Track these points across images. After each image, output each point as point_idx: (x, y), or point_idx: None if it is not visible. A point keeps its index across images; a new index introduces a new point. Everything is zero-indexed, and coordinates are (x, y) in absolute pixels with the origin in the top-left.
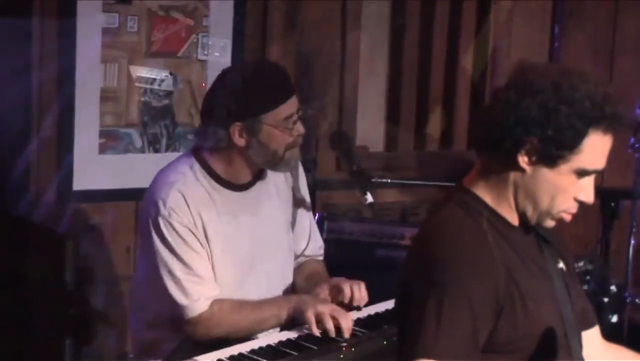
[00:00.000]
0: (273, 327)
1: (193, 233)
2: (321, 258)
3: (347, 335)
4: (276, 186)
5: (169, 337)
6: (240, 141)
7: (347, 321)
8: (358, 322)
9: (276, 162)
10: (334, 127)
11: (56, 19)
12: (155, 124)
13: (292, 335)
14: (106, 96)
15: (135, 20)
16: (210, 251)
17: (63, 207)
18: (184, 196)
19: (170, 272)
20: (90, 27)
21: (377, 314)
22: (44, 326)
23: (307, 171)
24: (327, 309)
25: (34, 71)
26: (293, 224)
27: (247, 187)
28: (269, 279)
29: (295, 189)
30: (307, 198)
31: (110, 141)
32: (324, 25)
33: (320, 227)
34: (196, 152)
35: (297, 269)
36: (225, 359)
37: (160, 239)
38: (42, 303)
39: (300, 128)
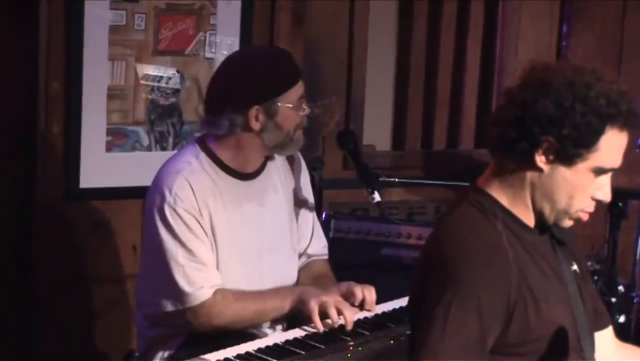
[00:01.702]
0: (276, 318)
1: (198, 221)
2: (326, 257)
3: (349, 327)
4: (280, 180)
5: (174, 334)
6: (256, 125)
7: (350, 313)
8: (365, 321)
9: (287, 143)
10: (341, 126)
11: (63, 16)
12: (163, 122)
13: (299, 333)
14: (113, 94)
15: (142, 18)
16: (216, 240)
17: (70, 205)
18: (190, 184)
19: (174, 259)
20: (98, 24)
21: (384, 313)
22: (50, 323)
23: (314, 169)
24: (331, 299)
25: (40, 68)
26: (296, 221)
27: (252, 176)
28: (276, 272)
29: (297, 187)
30: (311, 196)
31: (117, 139)
32: (331, 23)
33: (327, 226)
34: (201, 142)
35: (303, 269)
36: (232, 358)
37: (165, 227)
38: (47, 300)
39: (306, 108)
